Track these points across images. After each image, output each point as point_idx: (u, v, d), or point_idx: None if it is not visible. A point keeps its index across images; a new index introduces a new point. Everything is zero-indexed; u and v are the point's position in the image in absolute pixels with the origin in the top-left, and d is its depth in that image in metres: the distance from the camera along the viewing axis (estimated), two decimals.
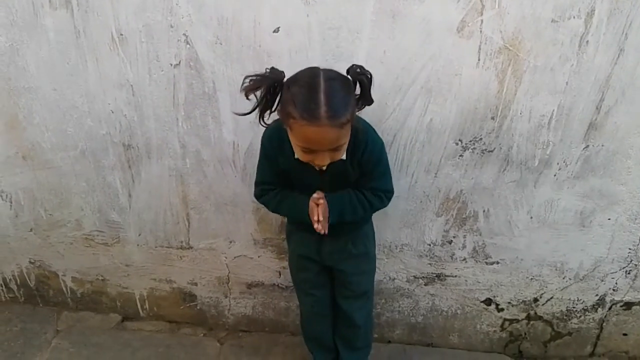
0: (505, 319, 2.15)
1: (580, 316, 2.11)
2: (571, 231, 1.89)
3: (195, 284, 2.17)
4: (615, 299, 2.05)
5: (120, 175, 1.90)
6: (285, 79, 1.33)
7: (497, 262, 1.99)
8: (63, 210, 2.02)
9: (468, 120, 1.68)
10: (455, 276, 2.04)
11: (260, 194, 1.64)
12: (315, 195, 1.54)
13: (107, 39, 1.63)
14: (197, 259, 2.09)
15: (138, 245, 2.08)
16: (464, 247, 1.96)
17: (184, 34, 1.60)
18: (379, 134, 1.54)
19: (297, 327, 2.08)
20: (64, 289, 2.25)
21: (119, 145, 1.83)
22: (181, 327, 2.29)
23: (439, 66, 1.58)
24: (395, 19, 1.52)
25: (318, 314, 1.88)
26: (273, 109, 1.37)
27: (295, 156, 1.47)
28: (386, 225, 1.90)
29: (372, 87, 1.37)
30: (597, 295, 2.05)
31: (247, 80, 1.32)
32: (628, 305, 2.07)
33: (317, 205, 1.53)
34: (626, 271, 1.97)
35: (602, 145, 1.70)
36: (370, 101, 1.40)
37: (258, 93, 1.34)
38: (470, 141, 1.72)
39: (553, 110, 1.64)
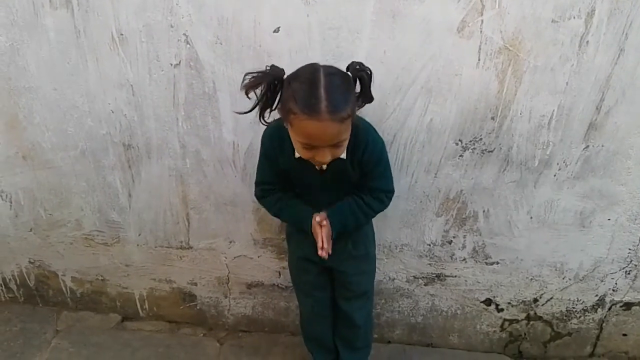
0: (505, 319, 2.15)
1: (580, 316, 2.11)
2: (571, 231, 1.89)
3: (195, 284, 2.17)
4: (615, 299, 2.05)
5: (120, 175, 1.90)
6: (285, 76, 1.34)
7: (497, 263, 1.99)
8: (63, 210, 2.02)
9: (468, 120, 1.68)
10: (455, 276, 2.04)
11: (261, 195, 1.64)
12: (317, 218, 1.55)
13: (107, 38, 1.63)
14: (197, 259, 2.09)
15: (138, 245, 2.08)
16: (463, 247, 1.96)
17: (184, 34, 1.60)
18: (379, 133, 1.54)
19: (297, 327, 2.08)
20: (64, 288, 2.25)
21: (119, 145, 1.83)
22: (181, 327, 2.28)
23: (439, 66, 1.58)
24: (396, 19, 1.52)
25: (318, 315, 1.88)
26: (273, 107, 1.37)
27: (296, 155, 1.47)
28: (386, 225, 1.90)
29: (372, 84, 1.37)
30: (596, 295, 2.05)
31: (248, 77, 1.32)
32: (628, 306, 2.07)
33: (321, 227, 1.53)
34: (626, 271, 1.97)
35: (602, 146, 1.70)
36: (370, 98, 1.40)
37: (258, 92, 1.34)
38: (470, 141, 1.72)
39: (553, 111, 1.65)
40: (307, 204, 1.62)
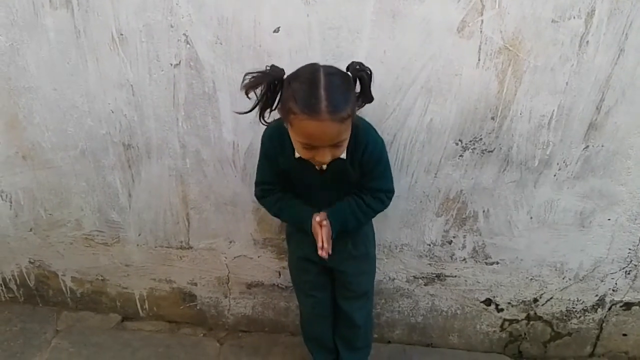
0: (505, 319, 2.15)
1: (580, 316, 2.11)
2: (571, 231, 1.89)
3: (195, 284, 2.17)
4: (615, 299, 2.05)
5: (120, 175, 1.90)
6: (285, 76, 1.34)
7: (497, 263, 1.99)
8: (63, 210, 2.02)
9: (468, 120, 1.68)
10: (455, 276, 2.04)
11: (261, 195, 1.64)
12: (317, 218, 1.55)
13: (107, 38, 1.63)
14: (197, 259, 2.09)
15: (138, 245, 2.08)
16: (463, 247, 1.96)
17: (184, 34, 1.60)
18: (379, 133, 1.54)
19: (297, 327, 2.08)
20: (64, 288, 2.25)
21: (119, 145, 1.83)
22: (181, 327, 2.28)
23: (439, 66, 1.58)
24: (396, 19, 1.52)
25: (318, 315, 1.88)
26: (273, 107, 1.37)
27: (296, 155, 1.47)
28: (386, 225, 1.90)
29: (372, 84, 1.37)
30: (596, 295, 2.05)
31: (248, 77, 1.32)
32: (628, 306, 2.07)
33: (321, 227, 1.54)
34: (626, 271, 1.97)
35: (602, 146, 1.70)
36: (370, 98, 1.40)
37: (258, 92, 1.34)
38: (470, 141, 1.72)
39: (553, 111, 1.65)
40: (307, 204, 1.62)
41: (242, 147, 1.79)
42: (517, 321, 2.15)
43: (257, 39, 1.58)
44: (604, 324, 2.13)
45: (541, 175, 1.77)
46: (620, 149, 1.71)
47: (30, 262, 2.18)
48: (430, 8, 1.49)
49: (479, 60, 1.57)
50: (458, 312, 2.14)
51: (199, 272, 2.14)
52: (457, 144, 1.73)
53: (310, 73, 1.29)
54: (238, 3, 1.53)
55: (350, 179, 1.54)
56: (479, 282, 2.05)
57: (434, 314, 2.16)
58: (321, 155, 1.33)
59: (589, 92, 1.60)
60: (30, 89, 1.74)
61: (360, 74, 1.35)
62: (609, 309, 2.08)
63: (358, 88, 1.36)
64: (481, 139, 1.71)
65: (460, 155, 1.75)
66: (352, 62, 1.37)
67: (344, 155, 1.46)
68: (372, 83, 1.38)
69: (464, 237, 1.93)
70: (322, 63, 1.32)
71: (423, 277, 2.05)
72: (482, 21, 1.50)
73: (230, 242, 2.03)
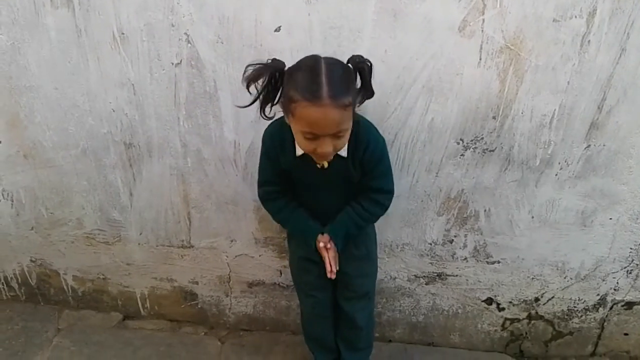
0: (506, 319, 2.15)
1: (581, 316, 2.11)
2: (572, 231, 1.89)
3: (196, 283, 2.18)
4: (617, 298, 2.05)
5: (121, 174, 1.90)
6: (286, 69, 1.34)
7: (498, 262, 1.99)
8: (64, 209, 2.02)
9: (469, 119, 1.67)
10: (456, 275, 2.04)
11: (265, 198, 1.65)
12: (321, 244, 1.60)
13: (108, 37, 1.63)
14: (198, 258, 2.10)
15: (139, 244, 2.08)
16: (465, 246, 1.96)
17: (185, 33, 1.60)
18: (381, 133, 1.53)
19: (298, 326, 2.08)
20: (65, 287, 2.25)
21: (120, 144, 1.83)
22: (182, 326, 2.29)
23: (441, 65, 1.58)
24: (397, 18, 1.52)
25: (319, 315, 1.88)
26: (275, 101, 1.38)
27: (297, 154, 1.47)
28: (387, 224, 1.90)
29: (372, 77, 1.37)
30: (598, 294, 2.05)
31: (249, 69, 1.33)
32: (629, 305, 2.07)
33: (327, 250, 1.60)
34: (627, 271, 1.97)
35: (604, 145, 1.70)
36: (371, 92, 1.40)
37: (259, 89, 1.35)
38: (472, 140, 1.72)
39: (554, 110, 1.64)
40: (309, 204, 1.62)
41: (243, 146, 1.79)
42: (519, 320, 2.15)
43: (258, 38, 1.58)
44: (605, 323, 2.13)
45: (542, 175, 1.77)
46: (621, 149, 1.70)
47: (31, 260, 2.18)
48: (432, 7, 1.49)
49: (480, 59, 1.56)
50: (459, 311, 2.14)
51: (200, 271, 2.14)
52: (458, 143, 1.73)
53: (311, 63, 1.30)
54: (239, 2, 1.53)
55: (351, 178, 1.53)
56: (480, 281, 2.05)
57: (435, 313, 2.16)
58: (323, 145, 1.32)
59: (590, 92, 1.60)
60: (32, 88, 1.74)
61: (361, 65, 1.35)
62: (611, 308, 2.08)
63: (359, 83, 1.36)
64: (482, 138, 1.71)
65: (462, 155, 1.75)
66: (353, 55, 1.37)
67: (344, 154, 1.46)
68: (372, 76, 1.37)
69: (465, 236, 1.93)
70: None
71: (424, 276, 2.05)
72: (483, 20, 1.50)
73: (232, 241, 2.03)
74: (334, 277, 1.62)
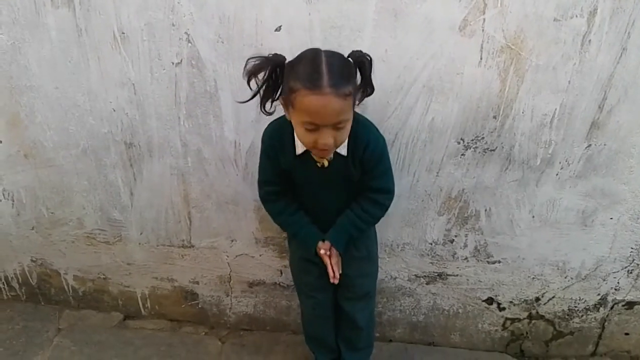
0: (506, 318, 2.15)
1: (582, 315, 2.11)
2: (573, 230, 1.89)
3: (197, 283, 2.18)
4: (617, 298, 2.05)
5: (121, 174, 1.90)
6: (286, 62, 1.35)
7: (499, 261, 1.99)
8: (65, 209, 2.02)
9: (470, 119, 1.67)
10: (457, 275, 2.04)
11: (265, 199, 1.64)
12: (322, 251, 1.61)
13: (109, 37, 1.63)
14: (199, 258, 2.10)
15: (140, 243, 2.08)
16: (465, 246, 1.95)
17: (186, 33, 1.60)
18: (381, 132, 1.53)
19: (299, 326, 2.08)
20: (66, 287, 2.25)
21: (121, 144, 1.83)
22: (183, 326, 2.29)
23: (441, 65, 1.58)
24: (397, 18, 1.51)
25: (320, 316, 1.87)
26: (275, 96, 1.38)
27: (297, 152, 1.47)
28: (388, 224, 1.90)
29: (372, 72, 1.38)
30: (599, 294, 2.05)
31: (251, 61, 1.33)
32: (630, 305, 2.07)
33: (329, 257, 1.62)
34: (628, 270, 1.97)
35: (605, 145, 1.70)
36: (371, 87, 1.40)
37: (259, 88, 1.35)
38: (472, 140, 1.72)
39: (555, 109, 1.64)
40: (309, 204, 1.62)
41: (243, 145, 1.79)
42: (519, 320, 2.15)
43: (259, 37, 1.58)
44: (606, 323, 2.13)
45: (543, 174, 1.77)
46: (622, 148, 1.70)
47: (32, 260, 2.18)
48: (432, 7, 1.49)
49: (481, 59, 1.56)
50: (460, 311, 2.14)
51: (201, 271, 2.14)
52: (459, 143, 1.72)
53: (311, 55, 1.31)
54: (239, 1, 1.53)
55: (351, 177, 1.53)
56: (480, 281, 2.05)
57: (436, 312, 2.16)
58: (323, 136, 1.31)
59: (591, 91, 1.60)
60: (32, 87, 1.74)
61: (361, 59, 1.35)
62: (611, 308, 2.08)
63: (359, 79, 1.36)
64: (483, 137, 1.71)
65: (462, 154, 1.75)
66: (353, 50, 1.37)
67: (344, 152, 1.46)
68: (372, 72, 1.38)
69: (466, 236, 1.93)
70: None
71: (425, 275, 2.05)
72: (484, 20, 1.50)
73: (232, 240, 2.03)
74: (337, 282, 1.63)
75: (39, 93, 1.75)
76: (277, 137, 1.51)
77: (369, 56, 1.36)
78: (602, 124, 1.66)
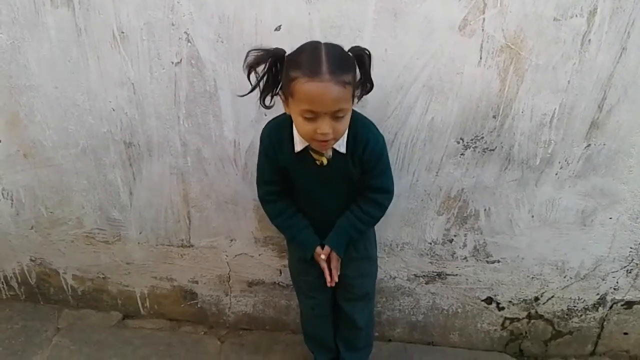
0: (506, 318, 2.15)
1: (581, 315, 2.11)
2: (572, 230, 1.89)
3: (196, 282, 2.17)
4: (616, 298, 2.05)
5: (121, 173, 1.90)
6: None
7: (498, 261, 1.99)
8: (64, 208, 2.02)
9: (469, 118, 1.67)
10: (456, 275, 2.04)
11: (265, 199, 1.64)
12: (323, 256, 1.62)
13: (108, 37, 1.63)
14: (198, 257, 2.09)
15: (139, 243, 2.08)
16: (464, 245, 1.96)
17: (185, 32, 1.59)
18: (381, 132, 1.53)
19: (298, 326, 2.08)
20: (65, 286, 2.25)
21: (120, 143, 1.83)
22: (182, 325, 2.29)
23: (441, 64, 1.58)
24: (397, 17, 1.51)
25: (319, 316, 1.88)
26: (275, 91, 1.38)
27: (296, 149, 1.46)
28: (387, 223, 1.90)
29: (372, 67, 1.38)
30: (598, 294, 2.05)
31: (252, 53, 1.34)
32: (629, 305, 2.07)
33: (327, 261, 1.64)
34: (627, 270, 1.97)
35: (604, 144, 1.70)
36: (371, 83, 1.41)
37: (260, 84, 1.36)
38: (472, 140, 1.72)
39: (555, 109, 1.64)
40: (308, 205, 1.62)
41: (243, 145, 1.79)
42: (518, 320, 2.15)
43: (259, 37, 1.58)
44: (605, 323, 2.13)
45: (543, 174, 1.77)
46: (622, 148, 1.70)
47: (31, 260, 2.18)
48: (432, 6, 1.49)
49: (480, 58, 1.56)
50: (459, 310, 2.14)
51: (200, 270, 2.14)
52: (458, 143, 1.73)
53: (311, 46, 1.32)
54: (239, 1, 1.53)
55: (350, 176, 1.53)
56: (480, 281, 2.05)
57: (435, 312, 2.16)
58: (322, 125, 1.30)
59: (591, 91, 1.60)
60: (31, 87, 1.74)
61: (360, 53, 1.36)
62: (610, 307, 2.08)
63: (359, 75, 1.37)
64: (483, 137, 1.71)
65: (462, 154, 1.75)
66: (353, 46, 1.38)
67: (343, 150, 1.46)
68: (372, 67, 1.38)
69: (465, 235, 1.93)
70: None
71: (424, 275, 2.05)
72: (483, 19, 1.50)
73: (231, 240, 2.03)
74: (333, 284, 1.65)
75: (39, 92, 1.75)
76: (275, 136, 1.50)
77: (368, 51, 1.37)
78: (602, 124, 1.66)
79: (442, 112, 1.67)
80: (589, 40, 1.52)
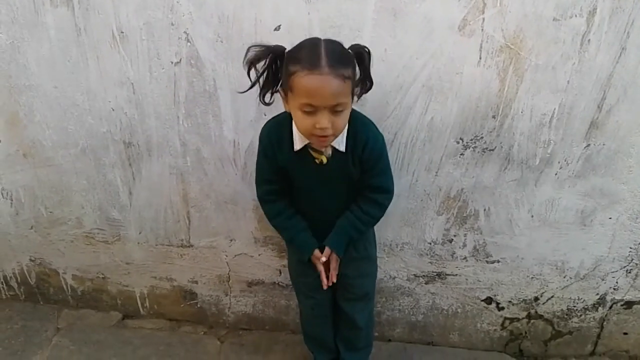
0: (505, 318, 2.15)
1: (580, 315, 2.11)
2: (572, 230, 1.89)
3: (196, 282, 2.17)
4: (616, 298, 2.05)
5: (120, 173, 1.90)
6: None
7: (498, 261, 1.99)
8: (64, 208, 2.02)
9: (469, 118, 1.67)
10: (456, 275, 2.04)
11: (264, 199, 1.64)
12: (323, 258, 1.62)
13: (107, 36, 1.63)
14: (198, 257, 2.09)
15: (138, 243, 2.07)
16: (464, 245, 1.95)
17: (185, 32, 1.59)
18: (380, 131, 1.53)
19: (298, 326, 2.08)
20: (65, 286, 2.25)
21: (120, 143, 1.83)
22: (181, 325, 2.28)
23: (440, 64, 1.58)
24: (397, 17, 1.51)
25: (318, 316, 1.87)
26: (275, 88, 1.38)
27: (295, 148, 1.46)
28: (387, 223, 1.90)
29: (371, 64, 1.39)
30: (597, 294, 2.05)
31: (251, 50, 1.34)
32: (629, 305, 2.07)
33: (323, 263, 1.63)
34: (627, 270, 1.97)
35: (604, 144, 1.70)
36: (370, 80, 1.41)
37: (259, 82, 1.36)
38: (471, 140, 1.72)
39: (554, 109, 1.64)
40: (307, 205, 1.62)
41: (242, 145, 1.79)
42: (518, 320, 2.15)
43: (258, 37, 1.58)
44: (604, 323, 2.13)
45: (542, 174, 1.77)
46: (621, 148, 1.70)
47: (31, 260, 2.18)
48: (432, 6, 1.49)
49: (480, 58, 1.56)
50: (459, 310, 2.14)
51: (200, 270, 2.14)
52: (458, 143, 1.72)
53: (311, 42, 1.33)
54: (239, 1, 1.53)
55: (350, 175, 1.53)
56: (479, 281, 2.05)
57: (435, 312, 2.16)
58: (321, 120, 1.30)
59: (590, 91, 1.60)
60: (31, 86, 1.74)
61: (360, 50, 1.36)
62: (610, 307, 2.08)
63: (358, 72, 1.37)
64: (482, 137, 1.71)
65: (461, 154, 1.75)
66: (352, 44, 1.39)
67: (342, 148, 1.46)
68: (371, 64, 1.39)
69: (465, 235, 1.93)
70: None
71: (424, 275, 2.05)
72: (483, 19, 1.50)
73: (231, 240, 2.03)
74: (329, 285, 1.65)
75: (38, 92, 1.75)
76: (275, 135, 1.50)
77: (367, 48, 1.37)
78: (601, 124, 1.66)
79: (441, 112, 1.67)
80: (589, 40, 1.52)
